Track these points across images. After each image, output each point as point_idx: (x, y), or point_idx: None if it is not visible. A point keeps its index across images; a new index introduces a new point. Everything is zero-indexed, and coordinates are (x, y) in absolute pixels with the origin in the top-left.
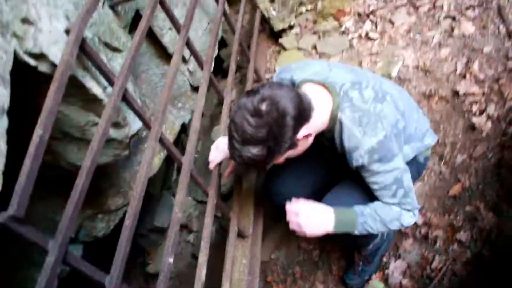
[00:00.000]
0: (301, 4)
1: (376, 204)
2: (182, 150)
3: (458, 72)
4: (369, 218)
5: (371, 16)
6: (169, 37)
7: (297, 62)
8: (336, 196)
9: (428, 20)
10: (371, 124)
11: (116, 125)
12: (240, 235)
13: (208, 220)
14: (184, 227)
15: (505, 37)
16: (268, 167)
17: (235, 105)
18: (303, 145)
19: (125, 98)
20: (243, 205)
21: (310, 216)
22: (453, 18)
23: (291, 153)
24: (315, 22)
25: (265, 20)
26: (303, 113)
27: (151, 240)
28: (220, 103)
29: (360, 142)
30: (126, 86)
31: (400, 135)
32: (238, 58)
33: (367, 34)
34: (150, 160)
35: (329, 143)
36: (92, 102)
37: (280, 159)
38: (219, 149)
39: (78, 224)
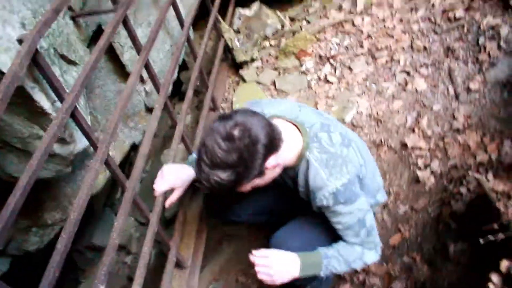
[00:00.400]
0: (265, 38)
1: (339, 244)
2: (131, 169)
3: (408, 125)
4: (333, 259)
5: (332, 60)
6: (129, 55)
7: (268, 99)
8: (287, 231)
9: (385, 72)
10: (337, 166)
11: (62, 141)
12: (179, 265)
13: (146, 249)
14: (123, 248)
15: (453, 98)
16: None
17: (208, 128)
18: (270, 175)
19: (74, 116)
20: (184, 234)
21: (279, 265)
22: (408, 73)
23: (258, 181)
24: (277, 58)
25: (228, 50)
26: (273, 142)
27: (86, 257)
28: (174, 125)
29: (325, 183)
30: (76, 103)
31: (363, 180)
32: (198, 83)
33: (325, 77)
34: (92, 182)
35: (291, 182)
36: (38, 115)
37: (247, 187)
38: (164, 178)
39: (8, 236)
